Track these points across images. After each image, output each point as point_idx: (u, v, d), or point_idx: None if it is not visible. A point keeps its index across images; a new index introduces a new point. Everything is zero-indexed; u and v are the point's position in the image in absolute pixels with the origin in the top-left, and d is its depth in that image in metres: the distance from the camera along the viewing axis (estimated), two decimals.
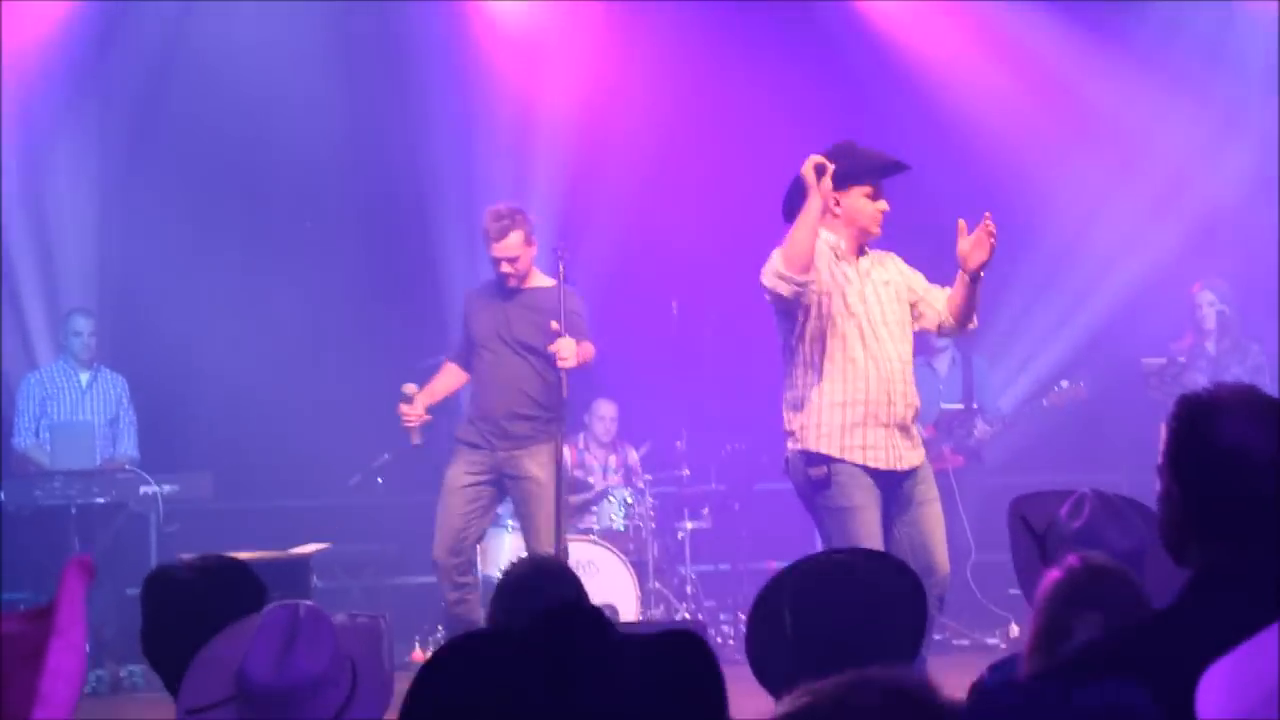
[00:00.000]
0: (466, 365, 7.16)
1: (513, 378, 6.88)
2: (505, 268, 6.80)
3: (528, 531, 6.96)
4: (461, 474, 6.93)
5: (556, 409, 6.88)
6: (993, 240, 5.48)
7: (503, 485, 6.99)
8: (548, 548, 6.70)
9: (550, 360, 6.74)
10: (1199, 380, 8.17)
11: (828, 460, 5.65)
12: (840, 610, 2.93)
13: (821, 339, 5.69)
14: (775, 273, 5.53)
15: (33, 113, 9.73)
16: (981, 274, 5.57)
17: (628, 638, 2.00)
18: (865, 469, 5.64)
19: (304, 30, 9.76)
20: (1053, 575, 2.82)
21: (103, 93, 9.95)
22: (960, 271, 5.60)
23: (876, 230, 5.74)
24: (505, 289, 6.91)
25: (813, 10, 10.31)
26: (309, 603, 2.87)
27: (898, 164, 5.78)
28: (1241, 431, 2.34)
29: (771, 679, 2.96)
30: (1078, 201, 9.79)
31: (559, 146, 10.09)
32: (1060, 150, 9.49)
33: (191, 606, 3.17)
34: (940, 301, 5.81)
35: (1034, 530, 3.58)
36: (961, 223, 5.52)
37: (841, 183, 5.61)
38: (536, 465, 6.87)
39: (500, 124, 10.18)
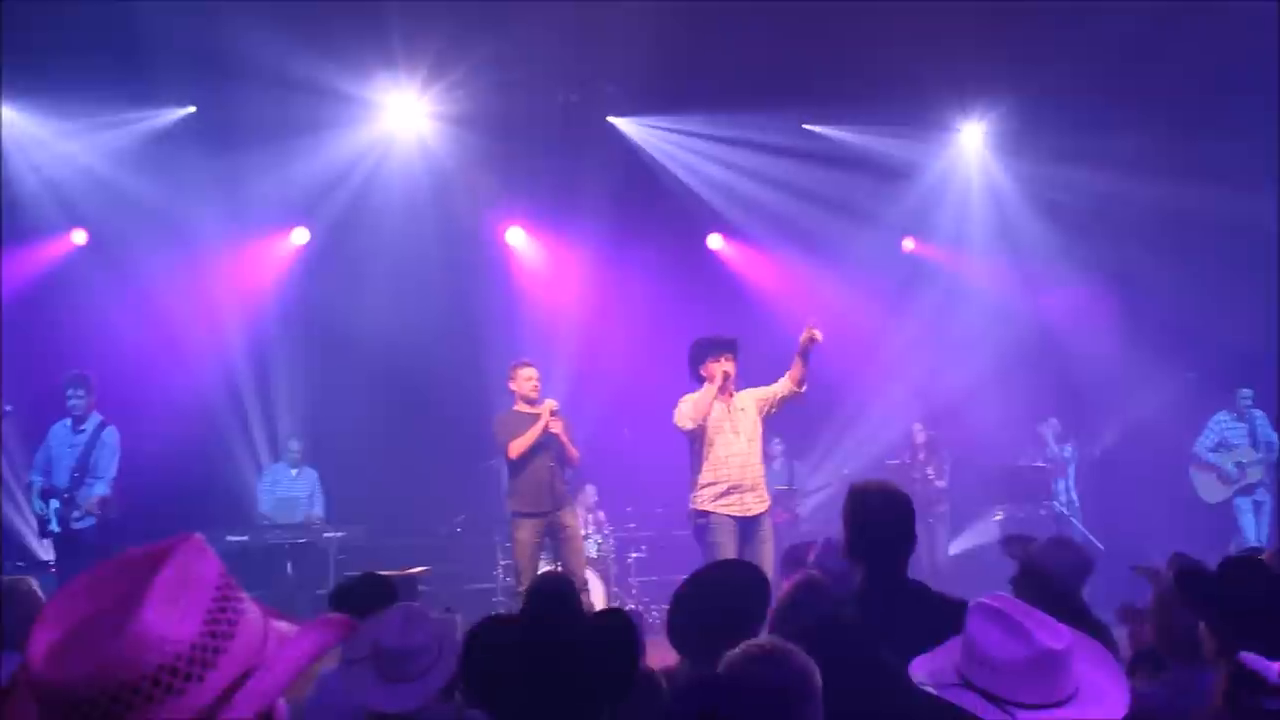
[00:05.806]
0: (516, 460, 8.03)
1: (556, 462, 7.93)
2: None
3: (572, 561, 7.94)
4: (533, 535, 7.88)
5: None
6: (814, 332, 6.63)
7: (551, 534, 7.95)
8: (580, 569, 8.06)
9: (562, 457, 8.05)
10: (913, 474, 11.17)
11: (706, 514, 7.02)
12: (719, 596, 3.45)
13: (705, 445, 7.07)
14: (687, 417, 7.07)
15: (262, 315, 12.29)
16: (808, 350, 6.77)
17: (587, 613, 2.82)
18: (729, 517, 6.92)
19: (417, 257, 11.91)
20: (785, 585, 3.67)
21: (305, 313, 12.40)
22: (797, 354, 6.84)
23: (722, 381, 7.02)
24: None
25: (696, 257, 13.06)
26: (417, 604, 3.39)
27: (720, 339, 7.21)
28: (876, 503, 3.33)
29: (680, 643, 3.51)
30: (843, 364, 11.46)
31: (561, 339, 12.28)
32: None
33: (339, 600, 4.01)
34: (782, 382, 7.00)
35: (802, 563, 4.17)
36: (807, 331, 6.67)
37: (710, 359, 7.25)
38: (572, 517, 8.13)
39: (525, 320, 12.36)
